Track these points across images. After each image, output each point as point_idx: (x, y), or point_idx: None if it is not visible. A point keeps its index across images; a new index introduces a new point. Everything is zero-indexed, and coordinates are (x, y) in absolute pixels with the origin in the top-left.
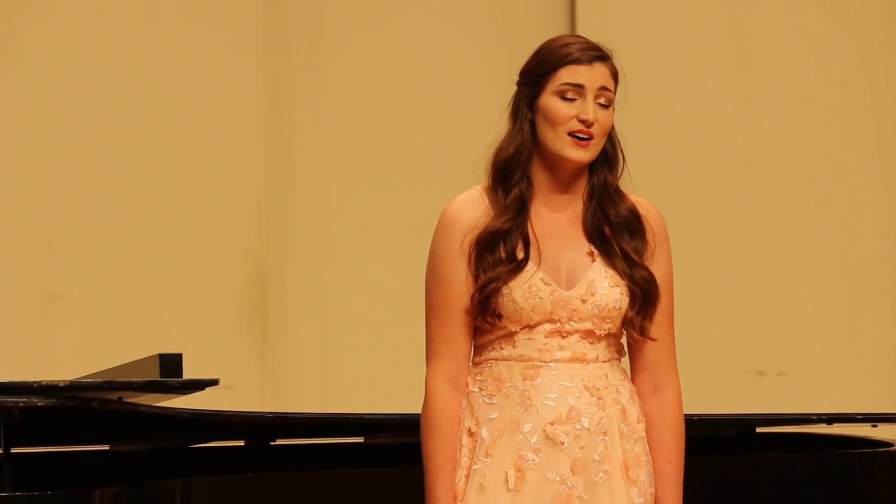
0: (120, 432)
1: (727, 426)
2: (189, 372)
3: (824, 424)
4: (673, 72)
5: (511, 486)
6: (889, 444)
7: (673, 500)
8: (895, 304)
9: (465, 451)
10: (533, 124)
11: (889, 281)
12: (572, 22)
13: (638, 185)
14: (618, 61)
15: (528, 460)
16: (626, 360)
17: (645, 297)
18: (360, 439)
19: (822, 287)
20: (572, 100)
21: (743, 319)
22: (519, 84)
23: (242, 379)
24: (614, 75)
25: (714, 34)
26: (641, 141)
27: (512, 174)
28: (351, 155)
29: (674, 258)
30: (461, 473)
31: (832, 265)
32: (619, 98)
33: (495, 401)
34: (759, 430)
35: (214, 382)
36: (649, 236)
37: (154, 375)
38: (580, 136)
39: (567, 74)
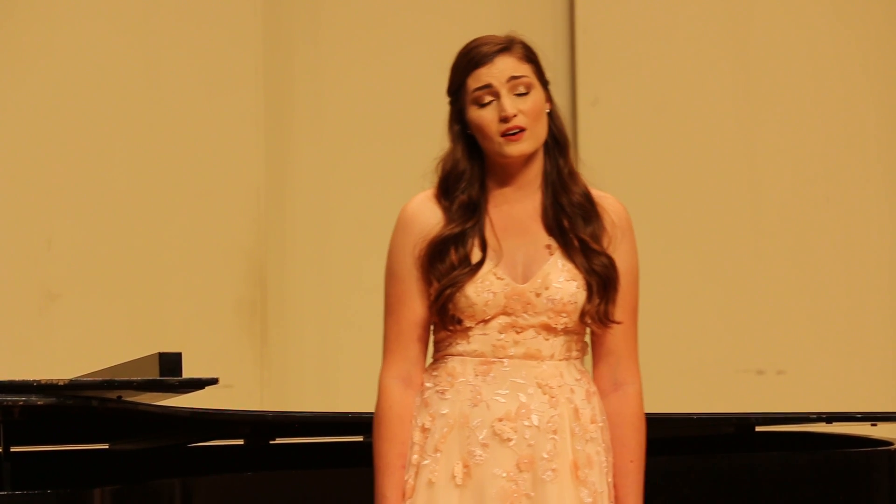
0: (119, 431)
1: (726, 425)
2: (188, 371)
3: (824, 423)
4: (672, 71)
5: (458, 481)
6: (889, 444)
7: (635, 499)
8: (895, 303)
9: (416, 448)
10: (471, 137)
11: (889, 280)
12: (572, 22)
13: (637, 183)
14: (528, 40)
15: (475, 456)
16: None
17: (605, 282)
18: (360, 438)
19: (821, 286)
20: (489, 103)
21: (742, 318)
22: (449, 103)
23: (241, 378)
24: (523, 58)
25: (714, 33)
26: (640, 140)
27: (456, 186)
28: (350, 154)
29: (673, 257)
30: (412, 471)
31: (832, 264)
32: (607, 101)
33: (447, 396)
34: (758, 429)
35: (214, 381)
36: (607, 223)
37: (153, 374)
38: (510, 133)
39: (473, 81)
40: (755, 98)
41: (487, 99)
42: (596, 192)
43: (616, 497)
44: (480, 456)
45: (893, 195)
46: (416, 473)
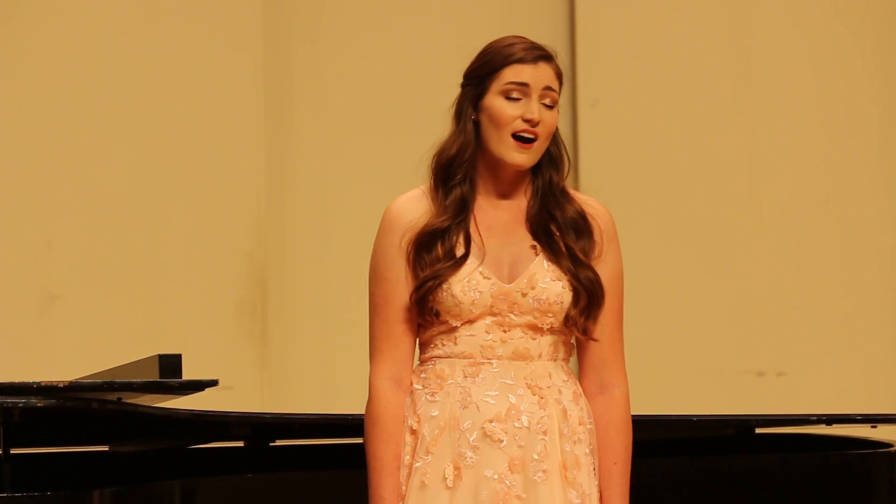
0: (119, 433)
1: (727, 427)
2: (188, 372)
3: (824, 425)
4: (672, 71)
5: (449, 483)
6: (888, 445)
7: (619, 502)
8: (895, 304)
9: (407, 448)
10: (477, 125)
11: (889, 281)
12: (572, 22)
13: (637, 184)
14: (561, 62)
15: (466, 458)
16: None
17: (589, 297)
18: (360, 440)
19: (821, 287)
20: (517, 99)
21: (742, 319)
22: (463, 85)
23: (242, 379)
24: (558, 76)
25: (714, 33)
26: (641, 140)
27: (454, 174)
28: (350, 155)
29: (673, 258)
30: (404, 472)
31: (832, 265)
32: (608, 102)
33: (437, 398)
34: (758, 430)
35: (214, 383)
36: (597, 236)
37: (153, 376)
38: (525, 136)
39: (512, 73)
40: (755, 99)
41: (517, 95)
42: (580, 197)
43: (601, 499)
44: (471, 458)
45: (893, 196)
46: (409, 475)
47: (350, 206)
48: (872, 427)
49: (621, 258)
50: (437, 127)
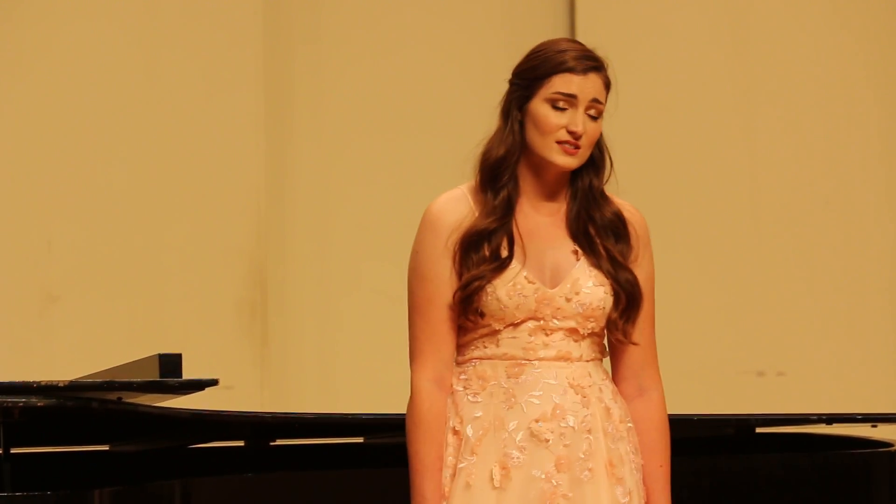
0: (119, 432)
1: (727, 426)
2: (188, 372)
3: (824, 425)
4: (672, 71)
5: (496, 484)
6: (889, 445)
7: (666, 502)
8: (895, 304)
9: (450, 449)
10: (522, 125)
11: (889, 281)
12: (572, 21)
13: (637, 184)
14: (612, 71)
15: (513, 458)
16: (606, 360)
17: (629, 300)
18: (360, 439)
19: (821, 287)
20: (563, 109)
21: (743, 319)
22: (512, 83)
23: (242, 379)
24: (607, 86)
25: (714, 33)
26: (641, 141)
27: (501, 175)
28: (350, 154)
29: (673, 258)
30: (447, 472)
31: (832, 265)
32: (609, 104)
33: (479, 399)
34: (758, 430)
35: (214, 382)
36: (633, 240)
37: (153, 375)
38: (567, 145)
39: (561, 83)
40: (755, 100)
41: (563, 105)
42: (618, 201)
43: (648, 500)
44: (518, 458)
45: (893, 196)
46: (453, 475)
47: (350, 206)
48: (872, 427)
49: (653, 264)
50: (437, 126)
